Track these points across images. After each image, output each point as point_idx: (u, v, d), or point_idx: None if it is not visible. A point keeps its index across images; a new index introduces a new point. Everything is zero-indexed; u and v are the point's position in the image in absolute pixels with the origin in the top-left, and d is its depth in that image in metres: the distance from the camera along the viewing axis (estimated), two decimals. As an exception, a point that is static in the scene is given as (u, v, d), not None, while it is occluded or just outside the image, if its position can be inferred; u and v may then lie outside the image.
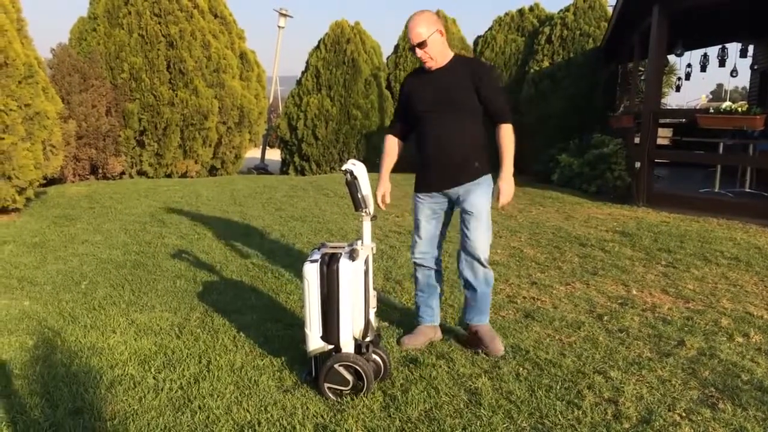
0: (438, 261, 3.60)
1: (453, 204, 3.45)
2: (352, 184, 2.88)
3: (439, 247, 3.59)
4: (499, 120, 3.31)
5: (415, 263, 3.58)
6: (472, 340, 3.49)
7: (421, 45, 3.22)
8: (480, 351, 3.39)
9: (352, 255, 2.85)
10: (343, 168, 2.87)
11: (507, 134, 3.31)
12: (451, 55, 3.36)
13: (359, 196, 2.88)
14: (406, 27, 3.28)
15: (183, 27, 11.75)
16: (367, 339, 2.96)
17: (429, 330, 3.61)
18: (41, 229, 6.70)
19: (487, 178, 3.39)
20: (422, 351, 3.44)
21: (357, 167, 2.88)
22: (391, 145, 3.63)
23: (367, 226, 2.97)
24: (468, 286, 3.46)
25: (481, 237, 3.33)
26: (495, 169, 3.33)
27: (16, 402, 2.86)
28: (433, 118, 3.32)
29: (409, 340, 3.54)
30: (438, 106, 3.30)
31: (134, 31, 11.55)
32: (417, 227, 3.54)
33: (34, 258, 5.51)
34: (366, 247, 2.95)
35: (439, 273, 3.62)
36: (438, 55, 3.27)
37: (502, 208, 3.09)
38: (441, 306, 3.79)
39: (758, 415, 2.73)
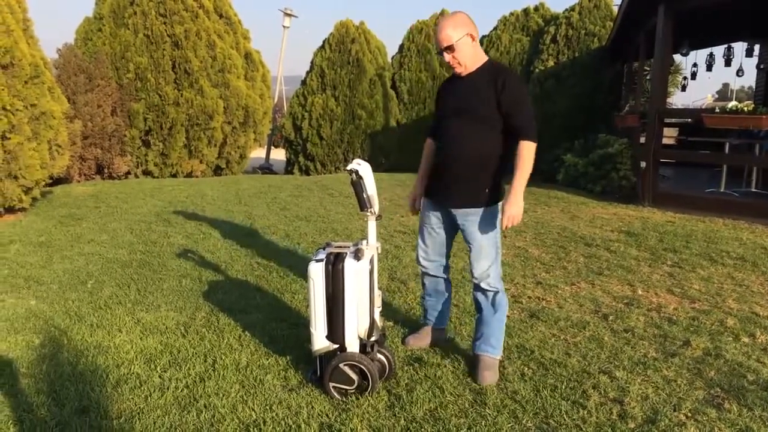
0: (446, 269, 3.42)
1: (457, 224, 3.23)
2: (357, 183, 2.87)
3: (447, 256, 3.40)
4: (520, 135, 2.99)
5: (421, 271, 3.46)
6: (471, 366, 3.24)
7: (449, 49, 3.00)
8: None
9: (357, 254, 2.85)
10: (349, 168, 2.86)
11: (525, 152, 2.97)
12: (483, 60, 3.11)
13: (364, 196, 2.88)
14: (435, 28, 3.13)
15: (188, 27, 11.77)
16: (372, 338, 2.96)
17: (434, 332, 3.54)
18: (47, 229, 6.72)
19: (493, 209, 3.12)
20: (427, 351, 3.44)
21: (362, 167, 2.87)
22: (427, 149, 3.38)
23: (372, 226, 2.97)
24: (476, 307, 3.28)
25: (482, 265, 3.14)
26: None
27: (23, 400, 2.88)
28: (448, 125, 3.14)
29: (414, 341, 3.50)
30: (454, 113, 3.11)
31: (140, 31, 11.58)
32: (421, 232, 3.38)
33: (41, 257, 5.53)
34: (371, 246, 2.96)
35: (447, 282, 3.47)
36: (467, 60, 3.04)
37: (505, 228, 3.01)
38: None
39: (764, 415, 2.72)
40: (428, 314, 3.54)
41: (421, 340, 3.50)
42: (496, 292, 3.18)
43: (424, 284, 3.50)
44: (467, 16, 3.06)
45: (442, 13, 14.40)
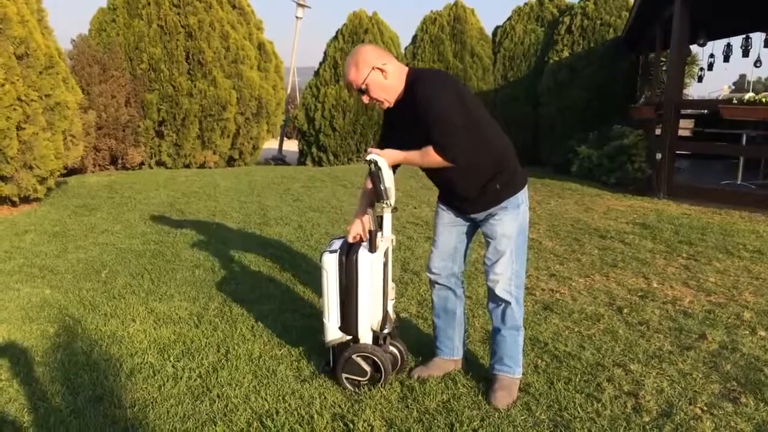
0: (457, 280, 3.06)
1: (477, 224, 2.98)
2: (375, 174, 2.79)
3: (459, 263, 3.05)
4: (431, 143, 2.65)
5: (430, 280, 3.11)
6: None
7: (361, 92, 2.74)
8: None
9: (372, 246, 2.83)
10: (368, 158, 2.77)
11: (427, 150, 2.66)
12: (402, 84, 2.74)
13: (381, 188, 2.80)
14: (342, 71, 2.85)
15: (202, 18, 11.78)
16: (385, 331, 2.95)
17: (446, 364, 3.11)
18: (62, 219, 6.76)
19: (514, 200, 2.81)
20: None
21: (381, 158, 2.83)
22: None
23: (387, 218, 2.94)
24: (490, 317, 2.97)
25: (499, 266, 2.80)
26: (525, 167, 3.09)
27: (38, 389, 2.90)
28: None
29: (421, 373, 3.06)
30: (406, 145, 2.76)
31: (153, 21, 11.59)
32: (434, 233, 3.07)
33: (55, 247, 5.57)
34: (386, 238, 2.93)
35: (458, 297, 3.08)
36: (385, 94, 2.74)
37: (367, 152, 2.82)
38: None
39: (781, 410, 2.69)
40: (438, 341, 3.13)
41: (429, 371, 3.06)
42: (508, 303, 2.82)
43: (433, 301, 3.13)
44: (370, 48, 2.77)
45: (456, 4, 14.30)
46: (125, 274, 4.77)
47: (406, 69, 2.78)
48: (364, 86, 2.71)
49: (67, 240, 5.83)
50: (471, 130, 2.67)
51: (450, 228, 3.01)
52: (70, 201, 7.84)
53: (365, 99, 2.78)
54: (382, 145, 2.86)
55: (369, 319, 2.90)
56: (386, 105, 2.79)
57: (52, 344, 3.40)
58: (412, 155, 2.73)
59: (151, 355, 3.25)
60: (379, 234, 2.93)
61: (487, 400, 2.79)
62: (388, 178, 2.81)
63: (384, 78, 2.70)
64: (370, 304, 2.88)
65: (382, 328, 2.95)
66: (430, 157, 2.67)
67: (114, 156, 11.37)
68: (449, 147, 2.64)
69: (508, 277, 2.80)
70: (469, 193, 2.82)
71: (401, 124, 2.81)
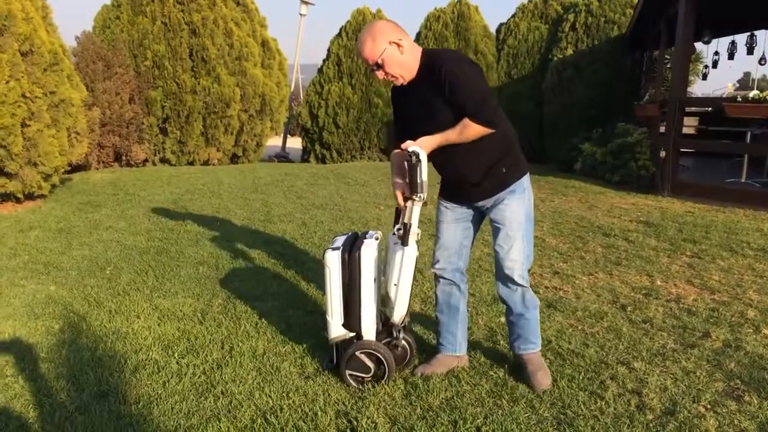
0: (462, 276, 3.08)
1: (483, 213, 3.00)
2: (415, 166, 2.70)
3: (465, 259, 3.08)
4: (465, 115, 2.67)
5: (434, 275, 3.13)
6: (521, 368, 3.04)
7: (377, 66, 2.71)
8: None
9: (405, 239, 2.83)
10: (410, 149, 2.68)
11: (465, 124, 2.67)
12: (418, 61, 2.76)
13: (419, 180, 2.73)
14: (355, 46, 2.74)
15: (205, 15, 11.78)
16: (407, 322, 3.01)
17: (450, 360, 3.12)
18: (66, 215, 6.78)
19: (520, 183, 2.87)
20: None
21: (422, 150, 2.72)
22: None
23: (417, 211, 2.86)
24: (507, 309, 3.03)
25: (514, 254, 2.84)
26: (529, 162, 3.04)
27: (43, 385, 2.91)
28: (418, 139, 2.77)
29: (425, 370, 3.07)
30: (421, 128, 2.75)
31: (157, 18, 11.60)
32: (438, 230, 3.07)
33: (60, 244, 5.58)
34: (413, 232, 2.87)
35: (462, 293, 3.09)
36: (401, 70, 2.74)
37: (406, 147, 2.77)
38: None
39: (785, 408, 2.69)
40: (441, 337, 3.15)
41: (433, 368, 3.07)
42: (525, 287, 2.91)
43: (436, 297, 3.16)
44: (386, 22, 2.77)
45: (460, 1, 14.28)
46: (129, 270, 4.78)
47: (420, 48, 2.81)
48: (380, 61, 2.69)
49: (72, 237, 5.84)
50: None
51: (454, 224, 3.02)
52: (75, 198, 7.86)
53: (380, 74, 2.75)
54: (403, 137, 2.82)
55: (372, 315, 2.91)
56: (400, 81, 2.78)
57: (57, 341, 3.41)
58: (449, 135, 2.71)
59: (156, 352, 3.27)
60: (378, 232, 2.96)
61: (530, 386, 2.88)
62: (425, 172, 2.74)
63: (400, 53, 2.71)
64: (374, 300, 2.89)
65: (403, 321, 2.98)
66: (469, 129, 2.69)
67: (118, 153, 11.39)
68: (486, 112, 2.67)
69: (521, 262, 2.87)
70: (476, 177, 2.82)
71: (414, 105, 2.82)
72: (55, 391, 2.85)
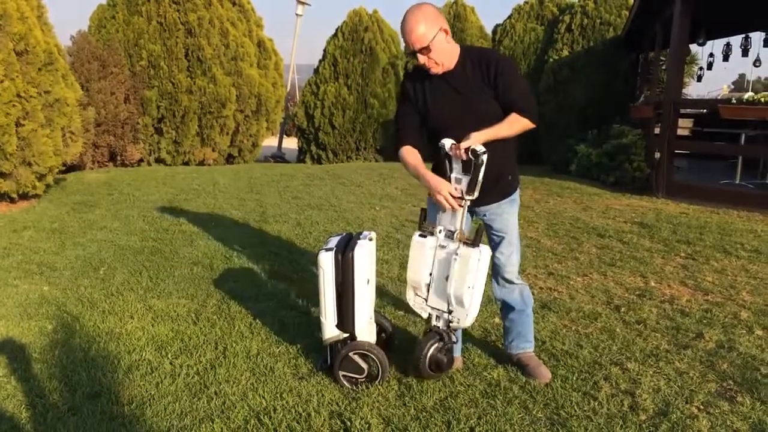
0: None
1: (475, 215, 3.01)
2: (479, 167, 2.64)
3: None
4: (513, 108, 2.72)
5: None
6: (519, 368, 3.09)
7: (424, 50, 2.65)
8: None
9: (476, 241, 2.75)
10: (478, 149, 2.60)
11: (513, 118, 2.71)
12: (458, 51, 2.77)
13: (479, 180, 2.68)
14: (402, 27, 2.65)
15: (201, 14, 11.77)
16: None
17: None
18: (60, 215, 6.77)
19: (516, 193, 2.98)
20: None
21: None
22: (415, 155, 2.88)
23: (462, 212, 2.78)
24: (503, 306, 3.12)
25: (514, 259, 3.00)
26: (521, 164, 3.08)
27: (36, 385, 2.91)
28: (454, 134, 2.71)
29: None
30: (457, 121, 2.73)
31: (153, 18, 11.59)
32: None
33: (53, 244, 5.57)
34: (458, 231, 2.80)
35: None
36: (445, 58, 2.71)
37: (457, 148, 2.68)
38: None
39: (778, 409, 2.70)
40: None
41: None
42: (523, 285, 3.08)
43: None
44: (434, 8, 2.71)
45: (456, 2, 14.29)
46: (123, 271, 4.77)
47: None
48: (430, 45, 2.64)
49: (66, 237, 5.83)
50: None
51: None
52: (69, 198, 7.84)
53: (422, 59, 2.69)
54: (435, 131, 2.81)
55: (366, 316, 2.91)
56: (438, 70, 2.73)
57: (50, 341, 3.40)
58: (500, 130, 2.70)
59: (149, 352, 3.26)
60: (372, 233, 2.94)
61: (535, 378, 2.95)
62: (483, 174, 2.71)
63: (447, 41, 2.70)
64: (367, 300, 2.89)
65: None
66: (517, 125, 2.74)
67: (113, 153, 11.37)
68: (534, 109, 2.76)
69: (518, 264, 3.06)
70: (489, 181, 2.73)
71: (450, 98, 2.78)
72: (48, 392, 2.84)
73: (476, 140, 2.63)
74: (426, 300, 2.91)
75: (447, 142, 2.71)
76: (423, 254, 2.85)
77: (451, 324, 2.87)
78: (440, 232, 2.83)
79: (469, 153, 2.63)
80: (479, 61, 2.74)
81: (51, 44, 7.62)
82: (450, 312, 2.84)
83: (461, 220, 2.78)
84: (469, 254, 2.73)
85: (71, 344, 3.35)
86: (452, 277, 2.76)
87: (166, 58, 11.59)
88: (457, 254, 2.75)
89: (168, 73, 11.57)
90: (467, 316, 2.80)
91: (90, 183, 9.07)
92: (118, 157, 11.46)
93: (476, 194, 2.70)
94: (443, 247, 2.81)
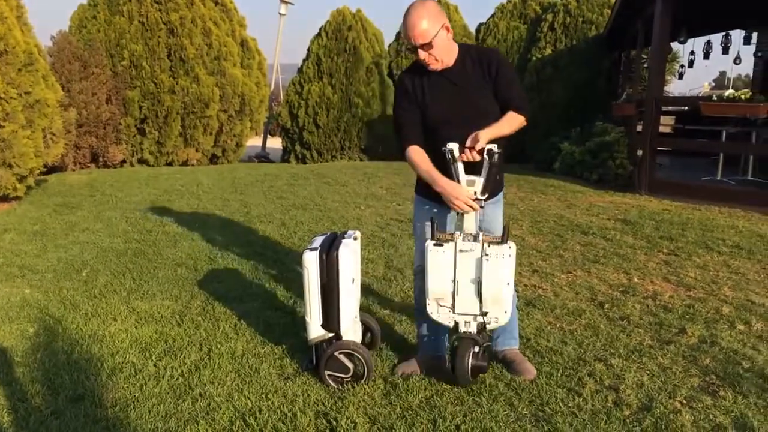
0: None
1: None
2: (496, 166, 2.66)
3: None
4: (511, 107, 2.76)
5: (415, 275, 3.13)
6: (505, 365, 3.09)
7: (426, 46, 2.67)
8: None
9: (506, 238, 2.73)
10: (494, 149, 2.61)
11: (510, 116, 2.75)
12: (457, 49, 2.80)
13: (495, 179, 2.71)
14: (405, 22, 2.66)
15: (183, 14, 11.69)
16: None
17: (430, 360, 3.10)
18: (42, 217, 6.69)
19: (502, 192, 3.01)
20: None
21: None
22: (425, 157, 2.81)
23: (475, 213, 2.77)
24: None
25: None
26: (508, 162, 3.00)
27: (17, 389, 2.87)
28: (451, 131, 2.71)
29: (407, 368, 3.04)
30: (457, 116, 2.75)
31: (134, 18, 11.50)
32: (419, 230, 3.03)
33: (35, 246, 5.51)
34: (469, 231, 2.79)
35: None
36: (445, 55, 2.74)
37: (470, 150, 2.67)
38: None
39: (759, 402, 2.73)
40: (422, 340, 3.13)
41: (413, 368, 3.05)
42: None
43: (418, 300, 3.08)
44: (437, 5, 2.72)
45: (439, 1, 14.31)
46: (106, 272, 4.73)
47: None
48: (432, 42, 2.66)
49: (47, 239, 5.77)
50: None
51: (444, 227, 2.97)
52: (51, 199, 7.76)
53: (422, 55, 2.71)
54: (434, 129, 2.80)
55: (351, 315, 2.90)
56: (438, 67, 2.76)
57: (32, 344, 3.37)
58: (502, 128, 2.73)
59: (133, 354, 3.23)
60: (357, 232, 2.93)
61: (520, 375, 2.96)
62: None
63: (448, 39, 2.73)
64: (352, 300, 2.89)
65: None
66: (516, 121, 2.78)
67: (95, 154, 11.27)
68: (527, 107, 2.82)
69: None
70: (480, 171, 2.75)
71: (450, 94, 2.80)
72: (30, 396, 2.81)
73: (485, 140, 2.64)
74: (452, 308, 2.80)
75: (454, 147, 2.67)
76: (443, 262, 2.75)
77: (488, 326, 2.79)
78: (459, 236, 2.76)
79: (485, 153, 2.65)
80: (479, 58, 2.79)
81: (31, 44, 7.55)
82: (484, 314, 2.76)
83: (477, 221, 2.77)
84: (501, 252, 2.69)
85: (54, 347, 3.32)
86: (486, 278, 2.69)
87: (148, 58, 11.50)
88: (486, 255, 2.68)
89: (150, 73, 11.48)
90: (506, 313, 2.76)
91: (72, 184, 8.98)
92: (101, 158, 11.36)
93: (488, 194, 2.73)
94: (465, 251, 2.72)
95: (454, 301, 2.77)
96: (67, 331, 3.54)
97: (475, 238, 2.74)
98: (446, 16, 2.75)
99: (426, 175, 2.78)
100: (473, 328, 2.79)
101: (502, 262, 2.68)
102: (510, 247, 2.69)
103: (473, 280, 2.72)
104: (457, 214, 2.78)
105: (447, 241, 2.75)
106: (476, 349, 2.77)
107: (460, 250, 2.72)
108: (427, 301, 2.82)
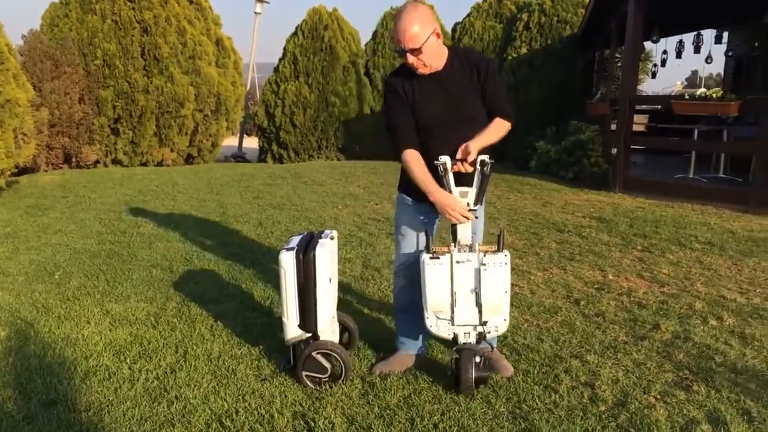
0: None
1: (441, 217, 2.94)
2: (488, 176, 2.69)
3: None
4: (497, 113, 2.82)
5: (395, 273, 3.14)
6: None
7: (415, 51, 2.64)
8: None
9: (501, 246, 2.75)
10: (487, 161, 2.66)
11: (498, 123, 2.80)
12: (446, 53, 2.80)
13: (485, 190, 2.74)
14: (396, 25, 2.64)
15: (157, 13, 11.57)
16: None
17: (408, 358, 3.13)
18: (13, 219, 6.58)
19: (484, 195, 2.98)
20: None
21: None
22: (422, 164, 2.77)
23: (470, 223, 2.80)
24: None
25: None
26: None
27: (-12, 394, 2.82)
28: (442, 134, 2.75)
29: (383, 368, 3.05)
30: (447, 120, 2.78)
31: (107, 16, 11.35)
32: (401, 229, 3.03)
33: (6, 248, 5.41)
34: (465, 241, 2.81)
35: None
36: (434, 60, 2.73)
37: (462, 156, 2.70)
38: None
39: (731, 396, 2.77)
40: (400, 338, 3.16)
41: (392, 368, 3.05)
42: None
43: (397, 298, 3.15)
44: (429, 9, 2.71)
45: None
46: (79, 275, 4.66)
47: None
48: (422, 47, 2.65)
49: (19, 241, 5.67)
50: None
51: (418, 228, 2.97)
52: (22, 201, 7.63)
53: (411, 59, 2.69)
54: (425, 133, 2.81)
55: (328, 315, 2.89)
56: (426, 71, 2.74)
57: (3, 348, 3.31)
58: (490, 137, 2.76)
59: (107, 358, 3.19)
60: (334, 231, 2.93)
61: (497, 372, 2.95)
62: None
63: (438, 45, 2.72)
64: (329, 300, 2.88)
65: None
66: (503, 128, 2.83)
67: (68, 154, 11.11)
68: (513, 113, 2.87)
69: None
70: (471, 177, 2.76)
71: (439, 99, 2.79)
72: (1, 401, 2.76)
73: (476, 151, 2.67)
74: (451, 320, 2.80)
75: (447, 160, 2.70)
76: (441, 275, 2.76)
77: (488, 335, 2.81)
78: (455, 248, 2.77)
79: (478, 164, 2.69)
80: (468, 61, 2.80)
81: (1, 43, 7.42)
82: (484, 323, 2.78)
83: (471, 231, 2.80)
84: (498, 260, 2.72)
85: (25, 351, 3.26)
86: (484, 288, 2.72)
87: (121, 57, 11.36)
88: (484, 264, 2.71)
89: (124, 73, 11.35)
90: (505, 321, 2.79)
91: (44, 186, 8.84)
92: (73, 159, 11.20)
93: (482, 203, 2.76)
94: (462, 262, 2.74)
95: (453, 313, 2.79)
96: (40, 335, 3.48)
97: (471, 248, 2.77)
98: (437, 22, 2.73)
99: (422, 185, 2.75)
100: (473, 339, 2.81)
101: (500, 270, 2.72)
102: (506, 255, 2.74)
103: (472, 290, 2.75)
104: (452, 225, 2.80)
105: (443, 253, 2.77)
106: (477, 359, 2.80)
107: (457, 262, 2.74)
108: (426, 315, 2.83)
